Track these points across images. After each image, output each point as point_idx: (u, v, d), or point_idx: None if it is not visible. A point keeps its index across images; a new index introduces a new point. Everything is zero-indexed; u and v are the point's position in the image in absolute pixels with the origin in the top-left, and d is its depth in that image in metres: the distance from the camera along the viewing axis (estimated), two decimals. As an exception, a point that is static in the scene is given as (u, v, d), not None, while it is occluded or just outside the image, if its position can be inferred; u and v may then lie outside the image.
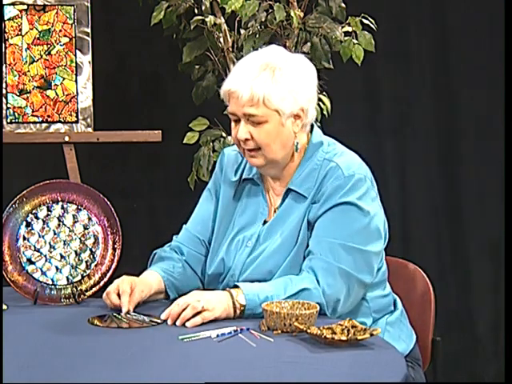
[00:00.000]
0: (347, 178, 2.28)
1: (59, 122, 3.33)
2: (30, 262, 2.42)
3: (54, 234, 2.45)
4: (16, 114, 3.32)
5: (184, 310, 2.11)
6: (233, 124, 2.33)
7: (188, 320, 2.09)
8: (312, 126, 2.40)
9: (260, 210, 2.40)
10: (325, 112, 3.37)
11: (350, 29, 3.36)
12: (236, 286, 2.21)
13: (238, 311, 2.15)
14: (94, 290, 2.40)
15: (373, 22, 3.35)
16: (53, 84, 3.33)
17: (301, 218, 2.31)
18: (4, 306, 2.30)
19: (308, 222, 2.30)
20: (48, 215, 2.45)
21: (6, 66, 3.30)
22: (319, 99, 3.36)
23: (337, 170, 2.30)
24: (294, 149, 2.33)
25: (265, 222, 2.38)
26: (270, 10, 3.36)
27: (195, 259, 2.46)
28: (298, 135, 2.33)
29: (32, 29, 3.31)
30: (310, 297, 2.17)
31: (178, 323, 2.10)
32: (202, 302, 2.11)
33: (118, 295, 2.25)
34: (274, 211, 2.39)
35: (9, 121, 3.31)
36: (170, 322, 2.13)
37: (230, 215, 2.44)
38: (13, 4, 3.30)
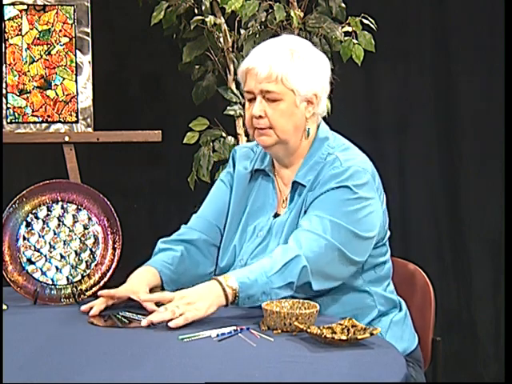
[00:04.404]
0: (345, 169, 2.29)
1: (59, 122, 3.34)
2: (30, 261, 2.42)
3: (54, 233, 2.45)
4: (16, 114, 3.32)
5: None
6: (247, 104, 2.36)
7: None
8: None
9: (270, 201, 2.42)
10: (325, 112, 3.37)
11: (350, 29, 3.36)
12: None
13: (230, 297, 2.12)
14: (94, 289, 2.40)
15: (373, 22, 3.35)
16: (53, 84, 3.33)
17: (300, 206, 2.33)
18: (4, 306, 2.30)
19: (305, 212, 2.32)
20: (48, 215, 2.45)
21: (6, 66, 3.30)
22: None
23: (335, 161, 2.31)
24: (305, 134, 2.36)
25: (276, 215, 2.39)
26: (270, 10, 3.36)
27: (207, 243, 2.46)
28: (309, 122, 2.36)
29: (32, 29, 3.31)
30: (295, 266, 2.17)
31: (153, 319, 2.06)
32: (181, 309, 2.08)
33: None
34: (283, 201, 2.40)
35: (9, 121, 3.31)
36: (144, 323, 2.09)
37: (242, 209, 2.46)
38: (13, 4, 3.30)
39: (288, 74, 2.29)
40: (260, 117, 2.32)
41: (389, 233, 2.41)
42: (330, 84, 2.40)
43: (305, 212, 2.31)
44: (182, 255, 2.43)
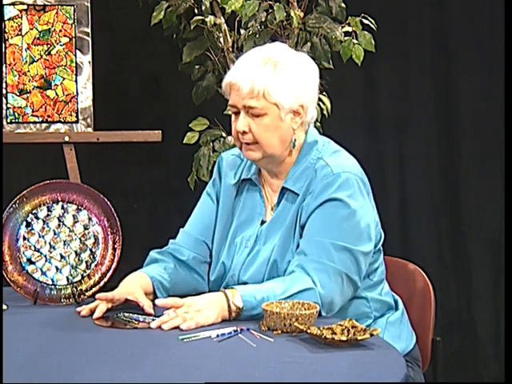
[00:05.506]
0: (336, 176, 2.27)
1: (59, 122, 3.34)
2: (30, 262, 2.42)
3: (54, 234, 2.45)
4: (16, 114, 3.32)
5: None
6: (233, 117, 2.34)
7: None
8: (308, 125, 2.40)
9: (257, 211, 2.40)
10: (325, 112, 3.37)
11: (350, 29, 3.36)
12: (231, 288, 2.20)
13: (233, 314, 2.13)
14: (94, 290, 2.40)
15: (373, 22, 3.35)
16: (53, 84, 3.33)
17: (294, 216, 2.31)
18: (4, 306, 2.30)
19: (301, 224, 2.30)
20: (48, 215, 2.45)
21: (6, 66, 3.30)
22: (319, 99, 3.37)
23: (326, 169, 2.29)
24: (291, 146, 2.33)
25: (262, 222, 2.38)
26: (270, 10, 3.36)
27: (197, 261, 2.45)
28: (297, 133, 2.33)
29: (32, 29, 3.31)
30: (307, 298, 2.17)
31: (165, 327, 2.07)
32: (190, 315, 2.09)
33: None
34: (272, 209, 2.39)
35: (9, 121, 3.31)
36: (154, 325, 2.11)
37: (230, 219, 2.44)
38: (13, 4, 3.30)
39: (270, 89, 2.24)
40: (244, 132, 2.29)
41: (383, 236, 2.40)
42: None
43: (301, 227, 2.29)
44: (174, 267, 2.43)
